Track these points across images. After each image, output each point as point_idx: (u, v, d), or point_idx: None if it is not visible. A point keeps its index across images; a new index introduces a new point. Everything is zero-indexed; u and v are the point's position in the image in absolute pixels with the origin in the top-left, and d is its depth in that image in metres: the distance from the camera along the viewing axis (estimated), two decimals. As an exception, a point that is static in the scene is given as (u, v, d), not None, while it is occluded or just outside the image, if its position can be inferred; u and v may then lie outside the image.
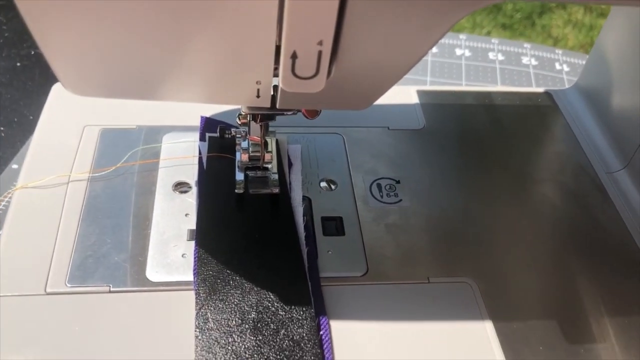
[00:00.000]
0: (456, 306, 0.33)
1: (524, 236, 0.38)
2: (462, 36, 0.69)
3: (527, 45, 0.69)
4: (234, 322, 0.30)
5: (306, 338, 0.30)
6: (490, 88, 0.54)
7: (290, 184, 0.38)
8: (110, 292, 0.32)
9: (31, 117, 0.54)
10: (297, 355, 0.29)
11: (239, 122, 0.35)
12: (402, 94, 0.47)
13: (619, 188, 0.42)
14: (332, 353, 0.30)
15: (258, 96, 0.26)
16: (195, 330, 0.30)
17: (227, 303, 0.31)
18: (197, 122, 0.41)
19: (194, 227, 0.35)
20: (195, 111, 0.41)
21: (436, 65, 0.64)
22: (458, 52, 0.67)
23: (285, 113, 0.32)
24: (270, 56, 0.23)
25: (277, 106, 0.28)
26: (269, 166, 0.37)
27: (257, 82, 0.25)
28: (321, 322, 0.31)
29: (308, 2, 0.20)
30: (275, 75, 0.24)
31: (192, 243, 0.34)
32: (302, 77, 0.23)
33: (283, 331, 0.30)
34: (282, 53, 0.22)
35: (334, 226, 0.37)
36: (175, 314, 0.31)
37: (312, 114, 0.33)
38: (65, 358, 0.29)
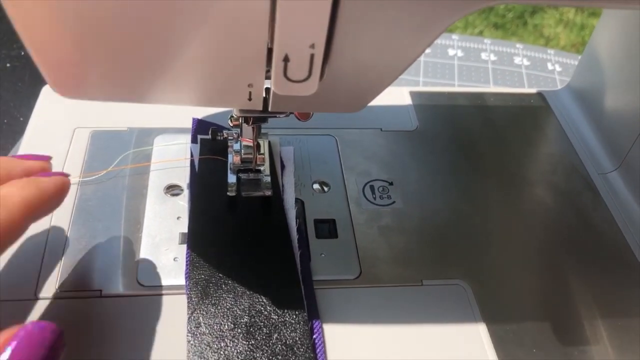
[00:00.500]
0: (450, 308, 0.33)
1: (517, 237, 0.38)
2: (455, 36, 0.69)
3: (519, 45, 0.69)
4: (226, 326, 0.30)
5: (299, 342, 0.29)
6: (483, 89, 0.54)
7: (282, 186, 0.38)
8: (101, 296, 0.32)
9: (21, 119, 0.54)
10: None
11: (231, 124, 0.35)
12: (395, 95, 0.47)
13: (612, 189, 0.42)
14: (325, 357, 0.30)
15: (250, 99, 0.25)
16: (188, 335, 0.29)
17: (219, 307, 0.30)
18: (189, 124, 0.41)
19: (185, 230, 0.35)
20: (187, 113, 0.41)
21: (429, 66, 0.64)
22: (451, 52, 0.67)
23: (277, 116, 0.32)
24: (262, 59, 0.23)
25: (269, 109, 0.28)
26: (262, 168, 0.37)
27: (249, 85, 0.25)
28: (314, 326, 0.31)
29: (300, 5, 0.20)
30: (268, 78, 0.24)
31: (184, 246, 0.34)
32: (295, 80, 0.23)
33: (276, 335, 0.30)
34: (274, 56, 0.22)
35: (327, 229, 0.36)
36: (167, 318, 0.31)
37: (305, 116, 0.33)
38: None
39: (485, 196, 0.40)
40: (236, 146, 0.37)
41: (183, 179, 0.38)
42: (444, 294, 0.34)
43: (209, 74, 0.24)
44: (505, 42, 0.70)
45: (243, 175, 0.37)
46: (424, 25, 0.22)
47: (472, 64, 0.66)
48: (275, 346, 0.29)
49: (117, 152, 0.39)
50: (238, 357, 0.28)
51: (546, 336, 0.33)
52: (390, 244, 0.36)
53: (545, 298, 0.35)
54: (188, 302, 0.31)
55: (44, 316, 0.31)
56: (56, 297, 0.31)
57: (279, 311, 0.30)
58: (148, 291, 0.32)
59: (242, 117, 0.33)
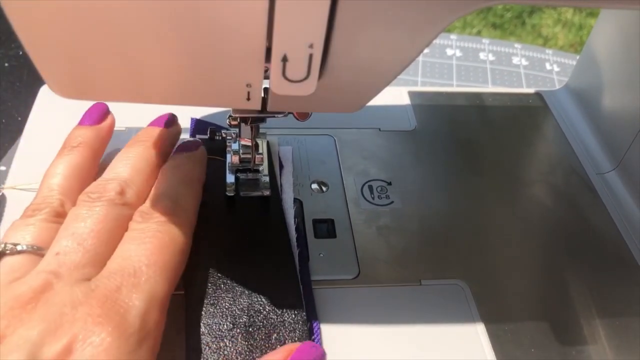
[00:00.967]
0: (448, 308, 0.33)
1: (515, 237, 0.38)
2: (453, 36, 0.69)
3: (517, 45, 0.69)
4: (225, 326, 0.30)
5: (298, 342, 0.29)
6: (481, 89, 0.54)
7: (281, 186, 0.38)
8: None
9: (19, 119, 0.54)
10: None
11: (230, 124, 0.35)
12: (394, 95, 0.47)
13: (610, 189, 0.42)
14: None
15: (248, 99, 0.25)
16: (186, 336, 0.29)
17: (217, 307, 0.30)
18: (187, 124, 0.41)
19: None
20: (186, 113, 0.41)
21: (427, 66, 0.64)
22: (449, 52, 0.67)
23: (276, 115, 0.32)
24: (260, 59, 0.23)
25: (268, 109, 0.28)
26: (260, 168, 0.37)
27: (247, 85, 0.24)
28: (313, 327, 0.31)
29: (298, 4, 0.20)
30: (266, 77, 0.24)
31: None
32: (293, 80, 0.23)
33: (275, 335, 0.30)
34: (273, 56, 0.22)
35: (325, 228, 0.36)
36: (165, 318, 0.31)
37: (303, 115, 0.33)
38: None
39: (483, 196, 0.40)
40: (235, 146, 0.37)
41: (181, 178, 0.38)
42: (442, 294, 0.34)
43: (207, 74, 0.24)
44: (504, 42, 0.70)
45: (241, 175, 0.37)
46: (423, 25, 0.22)
47: (470, 64, 0.66)
48: (274, 346, 0.29)
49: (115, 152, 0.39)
50: (237, 358, 0.28)
51: (544, 336, 0.33)
52: (388, 243, 0.36)
53: (543, 297, 0.35)
54: (186, 302, 0.31)
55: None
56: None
57: (277, 311, 0.30)
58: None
59: (240, 117, 0.33)
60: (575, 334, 0.33)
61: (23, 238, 0.28)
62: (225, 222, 0.35)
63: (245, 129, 0.34)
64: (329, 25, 0.21)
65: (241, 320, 0.30)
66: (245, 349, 0.29)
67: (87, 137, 0.35)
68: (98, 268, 0.27)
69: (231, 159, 0.37)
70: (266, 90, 0.27)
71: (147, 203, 0.31)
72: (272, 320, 0.30)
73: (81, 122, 0.36)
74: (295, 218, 0.36)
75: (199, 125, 0.41)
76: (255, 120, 0.33)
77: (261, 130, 0.37)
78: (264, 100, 0.27)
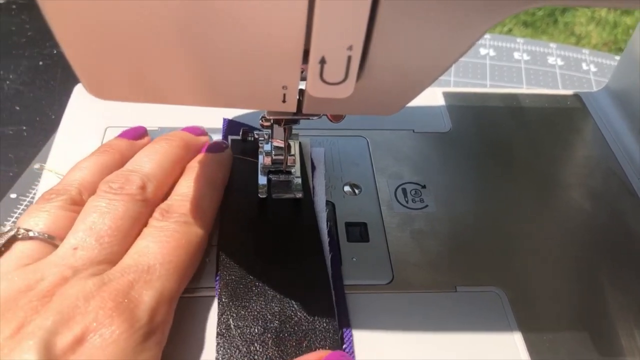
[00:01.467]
0: (484, 315, 0.32)
1: (552, 243, 0.37)
2: (487, 35, 0.68)
3: (553, 45, 0.68)
4: (256, 330, 0.29)
5: (328, 350, 0.29)
6: (517, 89, 0.53)
7: (313, 188, 0.37)
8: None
9: (53, 117, 0.54)
10: None
11: (262, 125, 0.34)
12: (428, 96, 0.46)
13: (652, 194, 0.41)
14: None
15: (284, 101, 0.25)
16: (217, 337, 0.29)
17: (249, 310, 0.30)
18: (219, 124, 0.41)
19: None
20: (217, 113, 0.41)
21: (460, 65, 0.63)
22: (482, 51, 0.66)
23: (310, 117, 0.31)
24: (298, 61, 0.22)
25: (303, 111, 0.27)
26: (292, 170, 0.37)
27: (283, 87, 0.24)
28: (345, 335, 0.30)
29: (338, 5, 0.19)
30: (302, 79, 0.24)
31: (215, 247, 0.34)
32: (330, 82, 0.22)
33: (305, 343, 0.29)
34: (311, 58, 0.21)
35: (358, 232, 0.36)
36: (196, 319, 0.31)
37: (337, 117, 0.33)
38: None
39: (519, 200, 0.39)
40: (267, 147, 0.36)
41: (213, 179, 0.38)
42: (478, 301, 0.33)
43: (244, 76, 0.23)
44: (539, 41, 0.68)
45: (274, 177, 0.37)
46: (466, 26, 0.21)
47: (504, 64, 0.64)
48: (305, 354, 0.29)
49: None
50: None
51: (582, 346, 0.32)
52: (423, 248, 0.35)
53: (582, 306, 0.34)
54: (218, 303, 0.30)
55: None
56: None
57: (309, 318, 0.30)
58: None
59: (274, 118, 0.33)
60: (613, 345, 0.32)
61: (36, 224, 0.29)
62: (257, 224, 0.35)
63: (278, 130, 0.34)
64: (368, 27, 0.21)
65: (272, 325, 0.30)
66: (276, 354, 0.28)
67: (120, 146, 0.36)
68: (112, 264, 0.28)
69: (263, 160, 0.36)
70: (301, 92, 0.27)
71: (169, 201, 0.32)
72: (304, 327, 0.30)
73: (119, 137, 0.37)
74: (327, 221, 0.35)
75: (231, 126, 0.41)
76: (288, 121, 0.33)
77: (293, 132, 0.36)
78: (299, 102, 0.27)
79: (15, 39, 0.64)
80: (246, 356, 0.28)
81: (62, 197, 0.31)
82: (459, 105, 0.46)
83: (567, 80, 0.63)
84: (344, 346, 0.30)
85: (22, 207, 0.45)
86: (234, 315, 0.30)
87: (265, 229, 0.34)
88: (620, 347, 0.32)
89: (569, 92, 0.49)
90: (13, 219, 0.43)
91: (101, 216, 0.29)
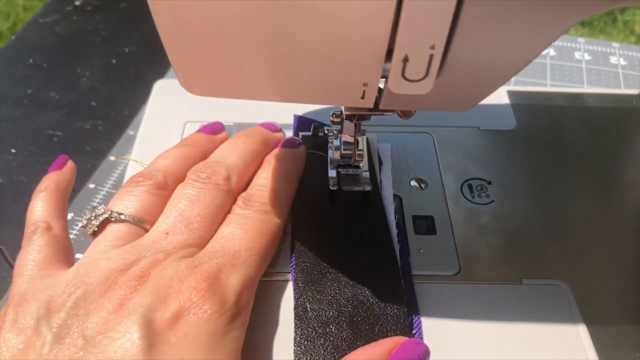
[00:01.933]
0: (549, 308, 0.33)
1: (617, 239, 0.37)
2: (548, 35, 0.68)
3: (615, 44, 0.67)
4: (330, 313, 0.31)
5: (403, 337, 0.30)
6: (578, 89, 0.53)
7: (381, 182, 0.39)
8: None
9: (126, 112, 0.57)
10: None
11: (332, 121, 0.36)
12: (493, 94, 0.46)
13: None
14: None
15: (363, 97, 0.26)
16: (295, 319, 0.31)
17: (324, 294, 0.32)
18: (289, 120, 0.42)
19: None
20: (288, 109, 0.43)
21: (520, 65, 0.63)
22: (543, 51, 0.66)
23: (385, 113, 0.32)
24: (381, 59, 0.24)
25: (380, 107, 0.29)
26: (360, 164, 0.38)
27: (363, 84, 0.25)
28: (414, 321, 0.32)
29: (424, 5, 0.20)
30: (383, 76, 0.25)
31: (289, 236, 0.35)
32: (411, 79, 0.24)
33: (378, 327, 0.31)
34: (394, 56, 0.23)
35: (425, 225, 0.37)
36: (273, 302, 0.33)
37: (407, 113, 0.34)
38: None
39: (584, 198, 0.40)
40: (336, 142, 0.38)
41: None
42: (543, 294, 0.34)
43: (329, 74, 0.25)
44: (601, 41, 0.68)
45: (342, 170, 0.38)
46: (548, 25, 0.22)
47: (565, 63, 0.64)
48: (377, 338, 0.30)
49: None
50: (343, 344, 0.30)
51: (648, 341, 0.32)
52: (488, 242, 0.36)
53: (647, 301, 0.34)
54: (295, 287, 0.32)
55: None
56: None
57: (380, 304, 0.31)
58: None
59: (347, 114, 0.34)
60: (680, 342, 0.32)
61: (126, 208, 0.32)
62: (329, 214, 0.36)
63: (348, 126, 0.35)
64: (451, 26, 0.22)
65: (346, 309, 0.31)
66: (350, 336, 0.30)
67: (200, 140, 0.38)
68: (200, 248, 0.30)
69: (332, 154, 0.38)
70: (380, 89, 0.28)
71: (250, 190, 0.35)
72: (375, 312, 0.31)
73: (199, 131, 0.40)
74: (395, 214, 0.36)
75: (301, 122, 0.42)
76: (360, 117, 0.34)
77: (361, 128, 0.38)
78: (377, 99, 0.28)
79: (90, 38, 0.68)
80: (322, 337, 0.30)
81: (149, 181, 0.33)
82: (524, 103, 0.46)
83: (630, 80, 0.62)
84: (413, 332, 0.31)
85: (100, 196, 0.48)
86: (310, 299, 0.31)
87: (337, 220, 0.36)
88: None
89: (635, 91, 0.48)
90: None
91: (191, 204, 0.32)
